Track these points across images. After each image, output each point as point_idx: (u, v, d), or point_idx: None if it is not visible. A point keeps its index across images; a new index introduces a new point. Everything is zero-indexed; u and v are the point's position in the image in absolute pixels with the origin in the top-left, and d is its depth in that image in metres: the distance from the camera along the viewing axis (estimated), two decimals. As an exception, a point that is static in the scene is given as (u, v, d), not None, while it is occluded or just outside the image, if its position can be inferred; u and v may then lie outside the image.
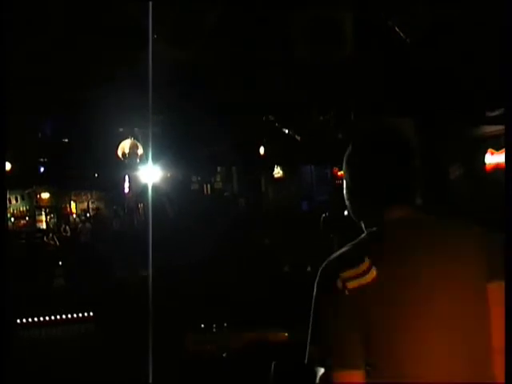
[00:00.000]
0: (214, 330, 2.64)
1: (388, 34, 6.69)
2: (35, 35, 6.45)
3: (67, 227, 23.83)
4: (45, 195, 27.77)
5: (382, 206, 2.00)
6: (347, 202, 2.10)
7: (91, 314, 9.44)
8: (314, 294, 1.90)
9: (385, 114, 8.70)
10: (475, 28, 6.53)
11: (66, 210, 28.81)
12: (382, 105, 8.45)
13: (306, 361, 1.87)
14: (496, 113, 9.53)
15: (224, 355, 2.61)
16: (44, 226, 26.98)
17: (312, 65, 7.08)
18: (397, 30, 6.45)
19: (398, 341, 1.83)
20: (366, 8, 6.39)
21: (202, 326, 2.69)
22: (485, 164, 11.61)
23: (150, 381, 4.82)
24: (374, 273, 1.83)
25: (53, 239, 18.59)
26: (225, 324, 2.65)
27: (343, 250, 1.95)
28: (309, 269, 8.59)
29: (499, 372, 1.86)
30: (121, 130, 11.22)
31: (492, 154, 11.49)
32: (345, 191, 2.10)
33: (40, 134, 12.54)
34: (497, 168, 11.30)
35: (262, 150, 15.38)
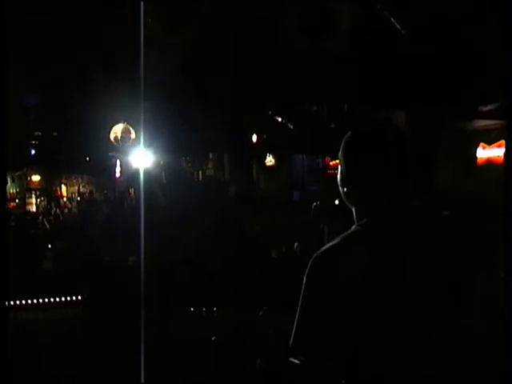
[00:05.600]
0: (204, 313, 2.65)
1: (384, 25, 6.69)
2: (30, 13, 6.42)
3: (58, 210, 23.78)
4: (35, 178, 27.67)
5: (375, 201, 1.96)
6: (341, 189, 2.06)
7: (79, 297, 9.42)
8: (303, 285, 1.86)
9: (378, 106, 8.70)
10: (470, 23, 6.54)
11: (57, 193, 28.75)
12: (375, 97, 8.45)
13: (289, 349, 1.87)
14: (488, 107, 9.55)
15: (213, 339, 2.62)
16: (34, 208, 26.89)
17: (306, 54, 7.07)
18: (393, 21, 6.45)
19: (391, 342, 1.81)
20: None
21: (192, 309, 2.69)
22: (476, 158, 11.64)
23: (142, 380, 4.82)
24: (364, 268, 1.80)
25: (43, 222, 18.53)
26: (214, 308, 2.66)
27: (334, 242, 1.91)
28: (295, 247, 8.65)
29: None
30: (114, 115, 11.18)
31: (483, 148, 11.52)
32: (339, 178, 2.05)
33: (32, 117, 12.49)
34: (488, 162, 11.33)
35: (254, 138, 15.36)
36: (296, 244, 10.12)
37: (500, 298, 1.88)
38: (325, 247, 1.91)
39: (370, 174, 1.96)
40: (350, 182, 2.01)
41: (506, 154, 2.24)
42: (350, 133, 2.04)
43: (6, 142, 2.58)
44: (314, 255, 1.89)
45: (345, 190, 2.03)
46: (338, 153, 2.05)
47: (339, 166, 2.06)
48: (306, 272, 1.87)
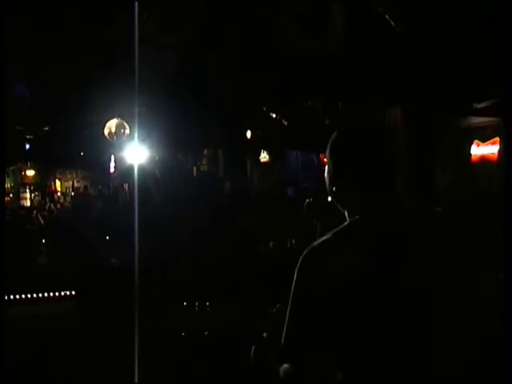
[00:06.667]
0: (197, 308, 2.65)
1: (378, 22, 6.69)
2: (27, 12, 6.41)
3: (52, 205, 23.74)
4: (30, 172, 27.61)
5: (361, 195, 1.97)
6: (328, 188, 2.07)
7: (73, 292, 9.41)
8: (294, 280, 1.87)
9: (373, 103, 8.70)
10: (464, 20, 6.55)
11: (51, 188, 28.69)
12: (370, 93, 8.44)
13: (281, 344, 1.88)
14: (483, 105, 9.56)
15: (206, 333, 2.62)
16: (28, 203, 26.85)
17: (301, 51, 7.07)
18: (387, 17, 6.45)
19: (383, 340, 1.82)
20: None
21: (185, 304, 2.69)
22: (470, 155, 11.66)
23: (136, 380, 4.81)
24: (355, 264, 1.81)
25: (37, 217, 18.49)
26: (207, 303, 2.66)
27: (325, 237, 1.92)
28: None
29: None
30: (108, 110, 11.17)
31: (478, 145, 11.54)
32: (326, 177, 2.07)
33: (26, 111, 12.46)
34: (483, 159, 11.36)
35: (248, 134, 15.34)
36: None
37: (494, 295, 1.88)
38: (316, 242, 1.92)
39: (360, 174, 1.96)
40: (339, 182, 2.02)
41: (503, 151, 2.26)
42: (336, 134, 2.05)
43: (5, 143, 2.57)
44: (306, 250, 1.90)
45: (333, 189, 2.04)
46: None
47: (327, 166, 2.07)
48: (297, 266, 1.88)
